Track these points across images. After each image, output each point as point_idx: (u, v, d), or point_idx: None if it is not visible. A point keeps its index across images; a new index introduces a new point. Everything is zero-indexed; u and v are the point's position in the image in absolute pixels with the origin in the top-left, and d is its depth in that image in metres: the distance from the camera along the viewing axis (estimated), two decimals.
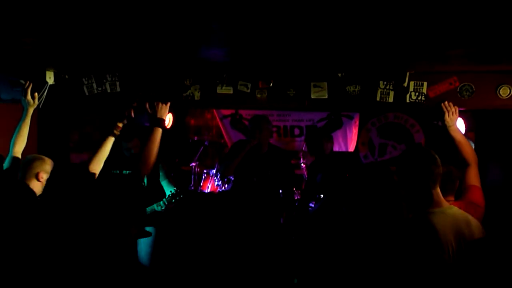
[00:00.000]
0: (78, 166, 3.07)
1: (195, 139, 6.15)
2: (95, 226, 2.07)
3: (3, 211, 2.11)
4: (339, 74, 3.61)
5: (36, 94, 3.51)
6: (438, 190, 2.38)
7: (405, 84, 3.56)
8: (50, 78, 3.63)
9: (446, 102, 3.40)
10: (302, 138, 6.82)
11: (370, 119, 6.60)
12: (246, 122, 6.58)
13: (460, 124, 3.55)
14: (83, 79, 3.68)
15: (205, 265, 1.96)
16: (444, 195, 2.45)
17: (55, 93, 3.66)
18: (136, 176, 2.80)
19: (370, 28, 2.53)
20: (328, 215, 3.11)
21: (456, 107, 3.39)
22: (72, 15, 2.40)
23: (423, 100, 3.56)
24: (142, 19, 2.47)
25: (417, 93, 3.57)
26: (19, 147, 3.40)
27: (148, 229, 2.23)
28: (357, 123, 6.76)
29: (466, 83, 3.53)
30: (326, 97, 3.63)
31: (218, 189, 4.74)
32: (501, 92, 3.49)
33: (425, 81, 3.56)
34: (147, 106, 3.32)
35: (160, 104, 3.29)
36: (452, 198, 2.91)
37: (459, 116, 3.42)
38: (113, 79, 3.67)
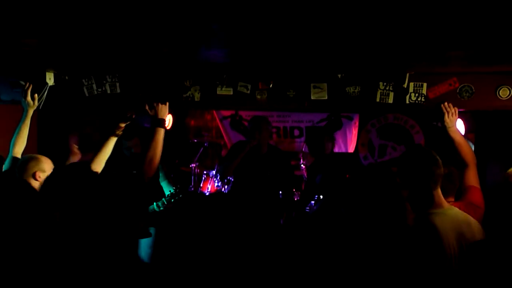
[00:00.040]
0: (81, 165, 3.06)
1: (195, 140, 6.14)
2: (97, 225, 2.07)
3: (7, 210, 2.11)
4: (339, 75, 3.61)
5: (36, 95, 3.51)
6: (439, 191, 2.38)
7: (405, 85, 3.57)
8: (50, 79, 3.63)
9: (445, 103, 3.41)
10: (302, 139, 6.82)
11: (370, 120, 6.59)
12: (246, 123, 6.58)
13: (460, 125, 3.56)
14: (83, 80, 3.68)
15: (205, 266, 1.96)
16: (445, 196, 2.45)
17: (55, 94, 3.66)
18: (139, 177, 2.79)
19: (370, 29, 2.54)
20: (326, 216, 3.11)
21: (455, 108, 3.40)
22: (72, 16, 2.40)
23: (422, 101, 3.56)
24: (142, 20, 2.47)
25: (417, 94, 3.58)
26: (19, 148, 3.41)
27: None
28: (357, 124, 6.75)
29: (465, 84, 3.53)
30: (326, 98, 3.63)
31: (218, 190, 4.74)
32: (500, 93, 3.50)
33: (425, 82, 3.57)
34: (147, 107, 3.31)
35: (159, 105, 3.26)
36: (452, 199, 2.91)
37: (459, 117, 3.43)
38: (113, 80, 3.67)
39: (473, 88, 3.52)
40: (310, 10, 2.23)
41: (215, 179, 4.89)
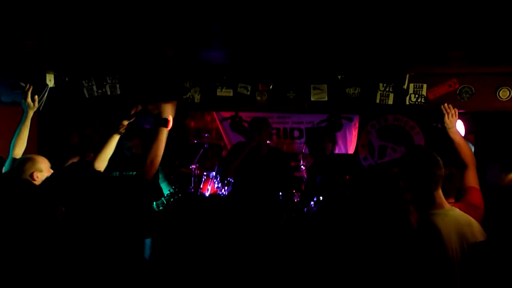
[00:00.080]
0: (83, 163, 3.04)
1: (195, 141, 6.15)
2: (101, 224, 2.07)
3: (9, 210, 2.11)
4: (339, 76, 3.62)
5: (36, 96, 3.51)
6: (440, 191, 2.38)
7: (405, 86, 3.57)
8: (50, 81, 3.64)
9: (445, 104, 3.40)
10: (302, 140, 6.82)
11: (370, 121, 6.59)
12: (246, 125, 6.58)
13: (460, 126, 3.56)
14: (83, 82, 3.68)
15: (205, 267, 1.96)
16: (445, 196, 2.45)
17: (55, 96, 3.66)
18: (140, 178, 2.78)
19: (369, 30, 2.54)
20: (326, 217, 3.11)
21: (455, 109, 3.39)
22: (73, 17, 2.40)
23: (422, 102, 3.57)
24: (141, 21, 2.48)
25: (416, 95, 3.58)
26: (19, 150, 3.41)
27: None
28: (357, 125, 6.75)
29: (465, 85, 3.53)
30: (326, 99, 3.64)
31: (218, 191, 4.74)
32: (500, 94, 3.50)
33: (424, 83, 3.57)
34: (149, 108, 3.28)
35: (164, 104, 3.12)
36: (452, 200, 2.91)
37: (459, 118, 3.43)
38: (113, 81, 3.68)
39: (473, 89, 3.53)
40: (310, 11, 2.23)
41: (215, 180, 4.89)
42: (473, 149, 4.76)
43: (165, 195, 4.17)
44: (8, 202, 2.15)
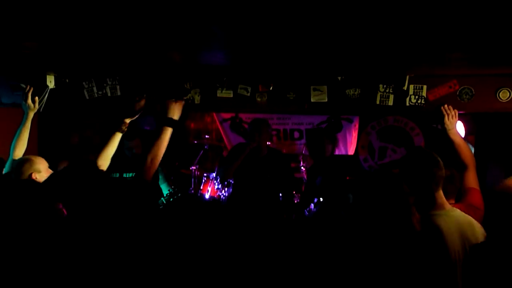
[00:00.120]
0: (87, 162, 3.05)
1: (195, 142, 6.15)
2: (103, 223, 2.07)
3: (11, 211, 2.12)
4: (339, 78, 3.62)
5: (36, 98, 3.52)
6: (441, 192, 2.39)
7: (405, 88, 3.57)
8: (50, 82, 3.64)
9: (445, 106, 3.41)
10: (302, 141, 6.83)
11: (370, 122, 6.59)
12: (246, 126, 6.59)
13: (460, 128, 3.56)
14: (84, 83, 3.68)
15: (205, 267, 1.96)
16: (445, 198, 2.46)
17: (55, 97, 3.66)
18: (139, 178, 2.78)
19: (369, 32, 2.54)
20: (326, 218, 3.11)
21: (455, 110, 3.40)
22: (73, 19, 2.41)
23: (422, 103, 3.57)
24: (142, 23, 2.48)
25: (416, 97, 3.58)
26: (19, 151, 3.41)
27: None
28: (357, 126, 6.76)
29: (465, 86, 3.53)
30: (326, 100, 3.64)
31: (218, 193, 4.74)
32: (500, 95, 3.50)
33: (424, 84, 3.57)
34: (157, 107, 3.24)
35: (171, 103, 3.00)
36: (453, 201, 2.92)
37: (459, 119, 3.43)
38: (114, 83, 3.68)
39: (473, 90, 3.53)
40: (310, 12, 2.23)
41: (215, 181, 4.90)
42: (473, 150, 4.76)
43: (165, 195, 4.18)
44: (12, 202, 2.16)
